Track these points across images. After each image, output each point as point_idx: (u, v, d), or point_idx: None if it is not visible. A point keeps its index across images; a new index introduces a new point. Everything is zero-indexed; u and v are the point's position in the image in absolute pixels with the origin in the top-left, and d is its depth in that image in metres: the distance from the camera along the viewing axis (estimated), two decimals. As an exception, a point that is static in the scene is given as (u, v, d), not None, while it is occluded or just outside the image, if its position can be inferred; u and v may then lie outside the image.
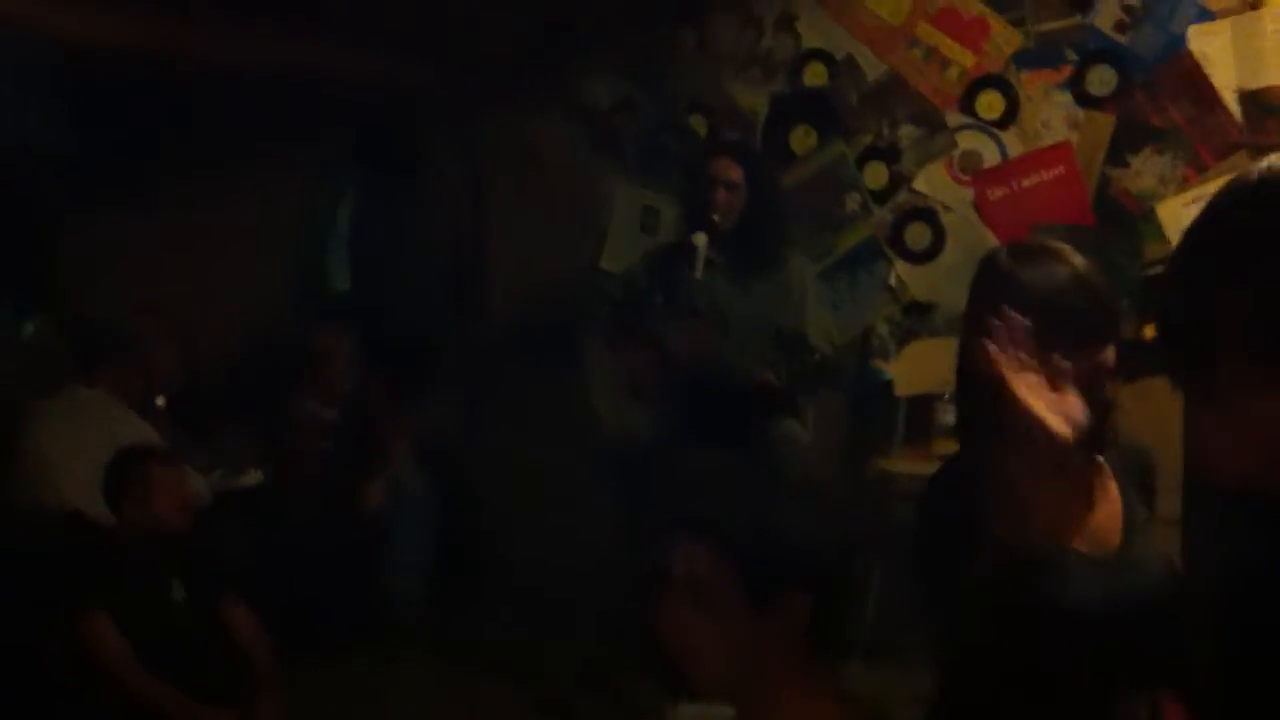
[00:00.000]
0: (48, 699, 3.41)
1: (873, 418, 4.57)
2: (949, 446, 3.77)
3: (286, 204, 5.65)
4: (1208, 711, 1.48)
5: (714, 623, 1.68)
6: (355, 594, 4.64)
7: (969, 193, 4.56)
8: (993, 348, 1.64)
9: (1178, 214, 4.17)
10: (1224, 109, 4.14)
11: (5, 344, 4.90)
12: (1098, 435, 1.88)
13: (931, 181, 4.62)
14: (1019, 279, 1.91)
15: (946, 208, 4.59)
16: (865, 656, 3.97)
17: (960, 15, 4.55)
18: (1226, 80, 4.13)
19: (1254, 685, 1.26)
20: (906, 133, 4.66)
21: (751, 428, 4.04)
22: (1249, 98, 4.10)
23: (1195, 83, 4.18)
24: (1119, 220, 4.32)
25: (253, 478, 4.71)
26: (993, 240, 4.48)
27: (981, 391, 1.83)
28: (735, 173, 4.19)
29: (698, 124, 5.00)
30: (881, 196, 4.70)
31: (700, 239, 4.08)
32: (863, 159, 4.72)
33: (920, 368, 4.39)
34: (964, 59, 4.54)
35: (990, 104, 4.53)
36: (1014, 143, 4.49)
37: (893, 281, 4.68)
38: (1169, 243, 4.19)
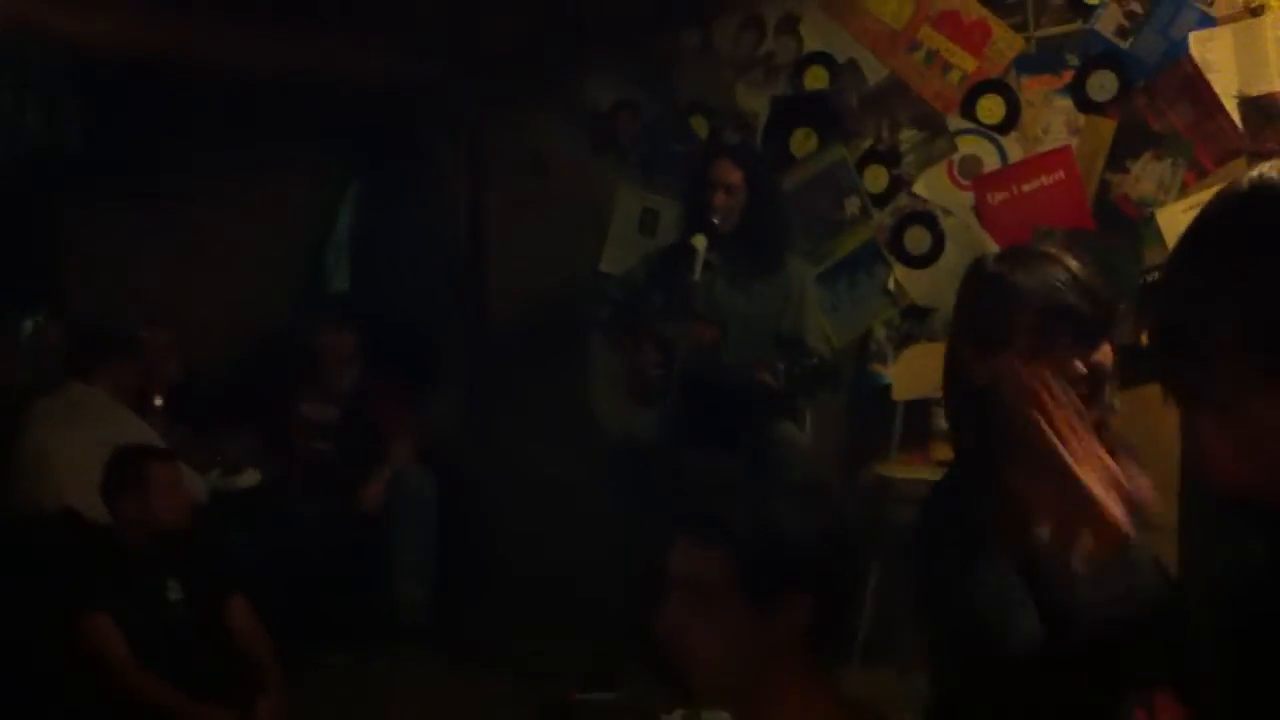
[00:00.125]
0: (46, 698, 3.42)
1: (871, 421, 4.58)
2: (946, 451, 3.78)
3: (287, 204, 5.65)
4: (1206, 712, 1.48)
5: (713, 625, 1.68)
6: (356, 594, 4.65)
7: (969, 197, 4.56)
8: (1041, 422, 1.56)
9: (1177, 219, 4.17)
10: (1224, 115, 4.14)
11: (4, 341, 4.90)
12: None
13: (931, 185, 4.62)
14: (1012, 282, 1.85)
15: (946, 212, 4.59)
16: (862, 658, 3.98)
17: (962, 19, 4.55)
18: (1227, 86, 4.13)
19: (1252, 687, 1.26)
20: (907, 136, 4.66)
21: (750, 430, 4.04)
22: (1250, 104, 4.10)
23: (1196, 88, 4.18)
24: (1119, 225, 4.32)
25: (251, 477, 4.70)
26: (993, 245, 4.47)
27: (972, 401, 1.83)
28: (735, 175, 4.20)
29: (699, 126, 5.00)
30: (881, 200, 4.70)
31: (700, 241, 4.09)
32: (863, 162, 4.72)
33: (919, 372, 4.39)
34: (965, 63, 4.55)
35: (991, 108, 4.53)
36: (1014, 147, 4.49)
37: (892, 285, 4.68)
38: (1168, 248, 4.18)
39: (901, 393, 4.50)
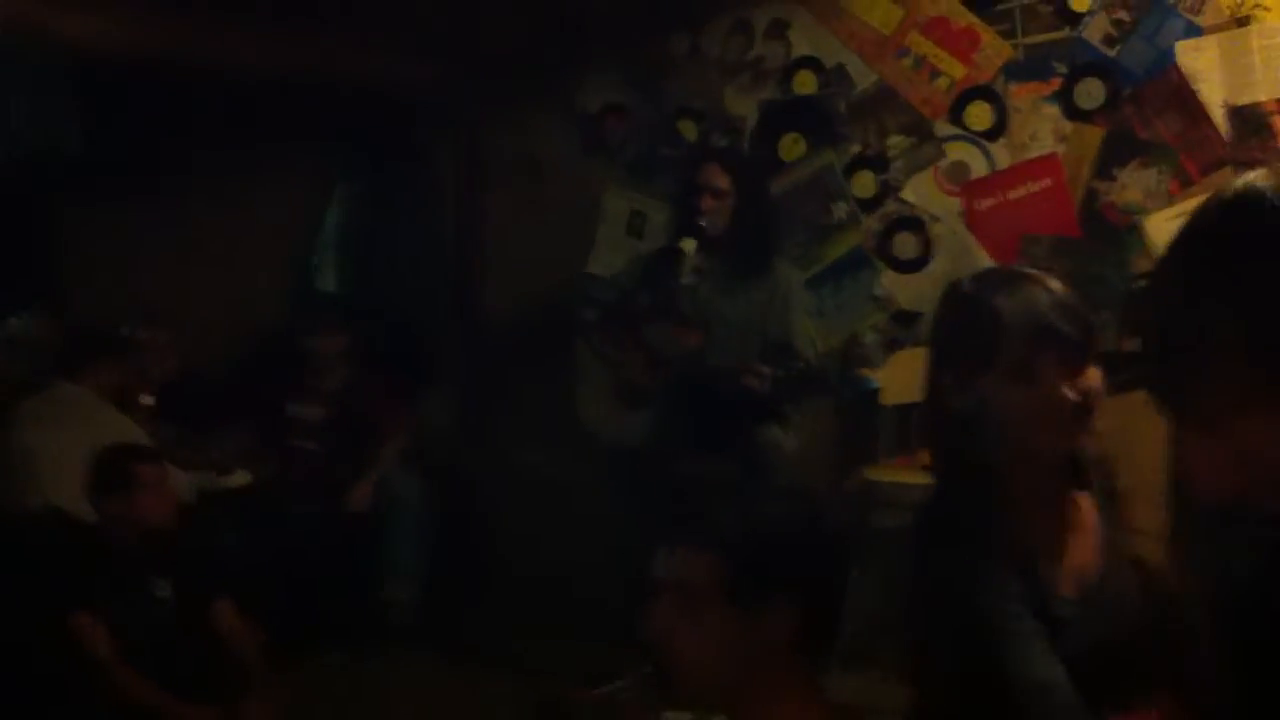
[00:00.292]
0: (33, 697, 3.41)
1: (858, 426, 4.58)
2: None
3: (285, 204, 5.65)
4: (1199, 717, 1.49)
5: (700, 628, 1.69)
6: (347, 594, 4.64)
7: (956, 203, 4.57)
8: None
9: (1163, 228, 4.19)
10: (1211, 124, 4.16)
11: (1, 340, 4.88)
12: (1080, 468, 1.87)
13: (919, 191, 4.63)
14: (993, 305, 1.78)
15: (934, 218, 4.60)
16: (845, 663, 3.98)
17: (950, 26, 4.56)
18: (1214, 95, 4.14)
19: (1243, 691, 1.27)
20: (895, 142, 4.67)
21: (737, 434, 4.05)
22: (1236, 113, 4.12)
23: (1183, 98, 4.20)
24: (1105, 233, 4.33)
25: (241, 478, 4.70)
26: (980, 250, 4.50)
27: (954, 425, 1.82)
28: (723, 180, 4.20)
29: (688, 129, 5.01)
30: (869, 205, 4.71)
31: (688, 245, 4.10)
32: (851, 168, 4.73)
33: (907, 377, 4.38)
34: (954, 69, 4.56)
35: (979, 115, 4.54)
36: (1002, 154, 4.50)
37: (879, 290, 4.69)
38: (1155, 256, 4.21)
39: (889, 397, 4.50)
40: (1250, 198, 1.09)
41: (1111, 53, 4.32)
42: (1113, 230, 4.32)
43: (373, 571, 4.77)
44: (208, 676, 3.55)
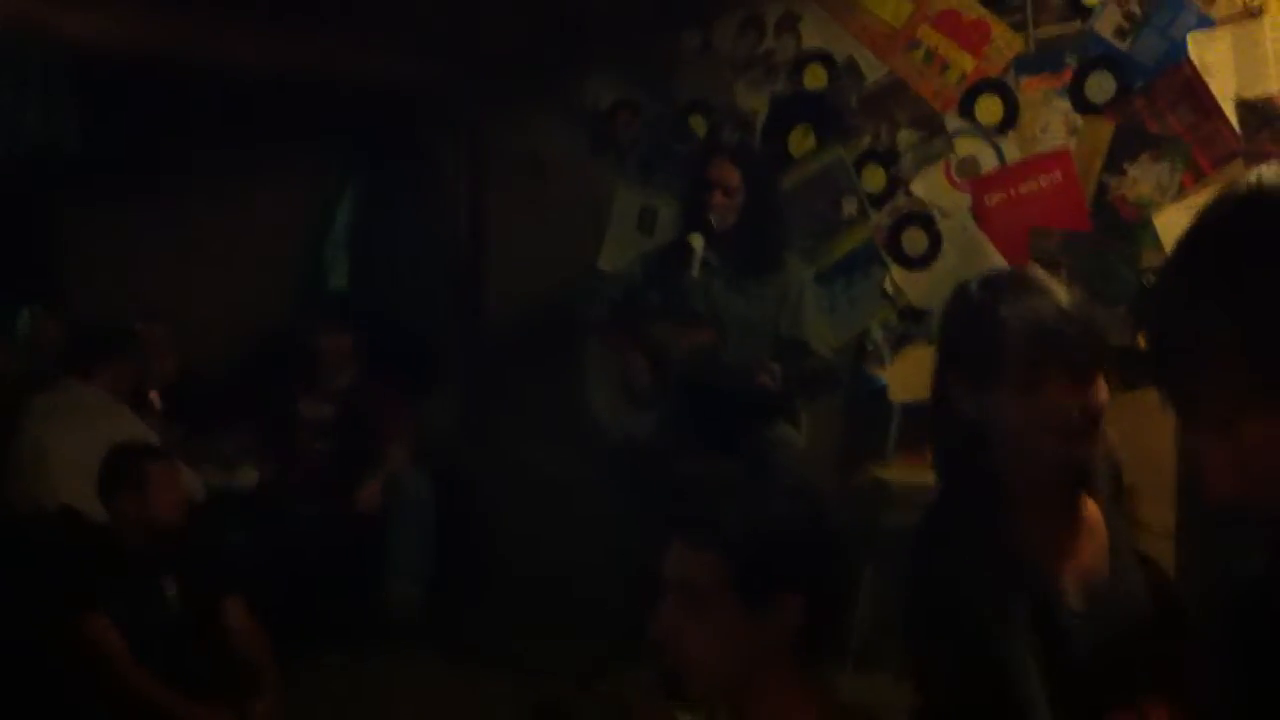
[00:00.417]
0: (43, 696, 3.41)
1: (867, 423, 4.57)
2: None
3: (287, 203, 5.65)
4: (1206, 716, 1.48)
5: (706, 627, 1.68)
6: (351, 594, 4.65)
7: (966, 198, 4.55)
8: None
9: (1175, 222, 4.16)
10: (1223, 117, 4.13)
11: (2, 338, 4.90)
12: (1087, 475, 1.85)
13: (929, 186, 4.61)
14: (1000, 316, 1.75)
15: (944, 213, 4.58)
16: (856, 663, 3.97)
17: (961, 18, 4.54)
18: (1226, 88, 4.12)
19: (1250, 690, 1.26)
20: (905, 136, 4.65)
21: (747, 432, 4.03)
22: (1248, 106, 4.10)
23: (1194, 90, 4.17)
24: (1116, 227, 4.31)
25: (249, 476, 4.70)
26: (989, 246, 4.48)
27: (962, 431, 1.80)
28: (733, 175, 4.19)
29: (698, 125, 5.00)
30: (879, 200, 4.69)
31: (697, 240, 4.08)
32: (861, 162, 4.72)
33: (915, 374, 4.36)
34: (964, 62, 4.54)
35: (989, 108, 4.52)
36: (1012, 148, 4.48)
37: (889, 287, 4.67)
38: (1166, 251, 4.18)
39: (898, 394, 4.49)
40: (1261, 193, 1.07)
41: (1123, 45, 4.30)
42: (1124, 224, 4.30)
43: (378, 571, 4.77)
44: (217, 675, 3.55)
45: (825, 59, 4.76)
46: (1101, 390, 1.77)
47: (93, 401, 4.32)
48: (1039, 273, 1.88)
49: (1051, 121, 4.42)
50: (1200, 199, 4.37)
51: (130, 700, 3.37)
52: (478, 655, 4.46)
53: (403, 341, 5.33)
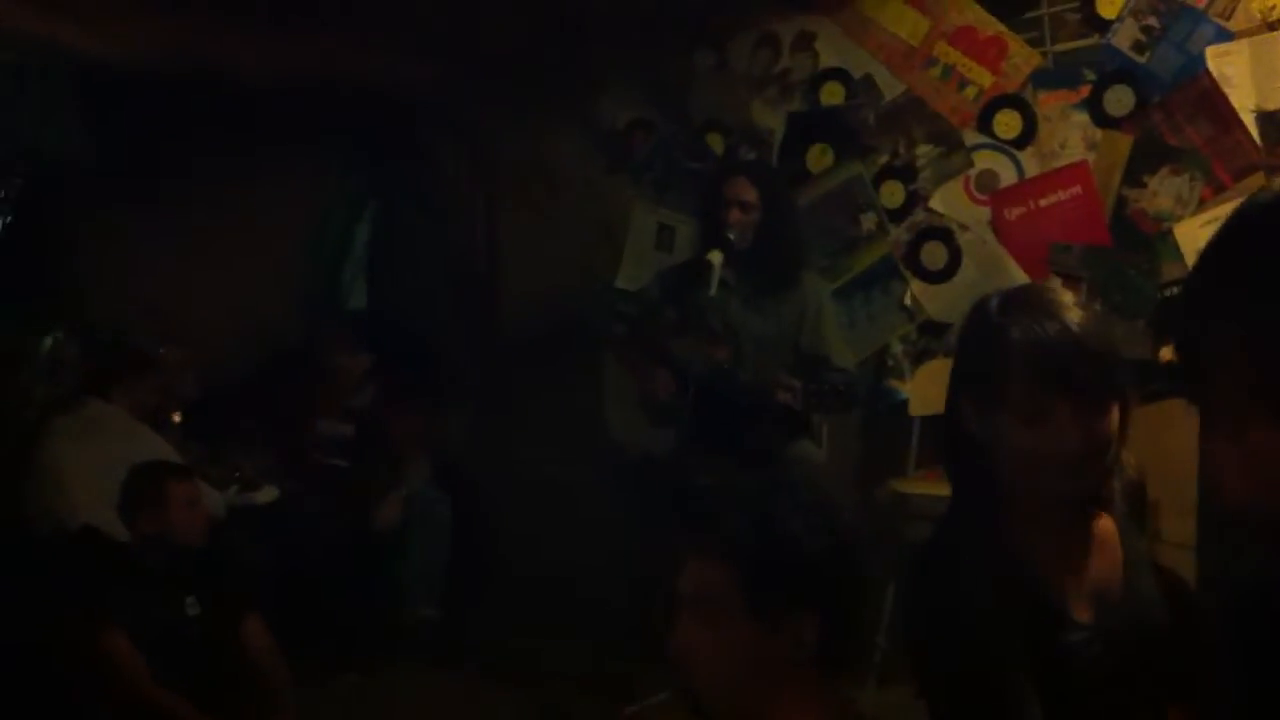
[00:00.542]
0: (62, 712, 3.42)
1: (887, 438, 4.55)
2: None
3: (304, 222, 5.68)
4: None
5: (721, 642, 1.67)
6: (370, 609, 4.65)
7: (986, 212, 4.54)
8: None
9: (1195, 235, 4.15)
10: (1242, 129, 4.12)
11: (23, 358, 4.92)
12: (1101, 498, 1.83)
13: (948, 201, 4.61)
14: (1010, 339, 1.70)
15: (963, 227, 4.58)
16: (879, 678, 3.95)
17: (978, 35, 4.54)
18: (1245, 101, 4.10)
19: (1272, 701, 1.25)
20: (923, 152, 4.65)
21: (767, 448, 4.03)
22: (1267, 118, 4.08)
23: (1213, 103, 4.16)
24: (1136, 241, 4.30)
25: (269, 494, 4.71)
26: (1009, 260, 4.47)
27: (971, 452, 1.79)
28: (750, 193, 4.20)
29: (715, 142, 5.00)
30: (898, 215, 4.69)
31: (715, 257, 4.08)
32: (879, 178, 4.72)
33: (935, 388, 4.32)
34: (982, 78, 4.54)
35: (1008, 123, 4.52)
36: (1031, 162, 4.47)
37: (908, 301, 4.67)
38: (1186, 263, 4.17)
39: (918, 408, 4.48)
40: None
41: (1141, 59, 4.29)
42: (1144, 238, 4.29)
43: (393, 588, 4.77)
44: (234, 693, 3.55)
45: (842, 76, 4.77)
46: (1112, 418, 1.73)
47: (113, 421, 4.34)
48: (1059, 291, 1.83)
49: (1070, 136, 4.42)
50: (1220, 212, 4.38)
51: (148, 716, 3.38)
52: (493, 669, 4.46)
53: (420, 360, 5.35)
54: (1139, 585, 1.82)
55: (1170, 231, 4.24)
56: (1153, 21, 4.26)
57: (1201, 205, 4.20)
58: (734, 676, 1.68)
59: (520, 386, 5.18)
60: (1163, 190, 4.25)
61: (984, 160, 4.55)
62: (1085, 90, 4.38)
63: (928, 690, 1.79)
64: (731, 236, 4.14)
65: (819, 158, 4.81)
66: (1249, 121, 4.10)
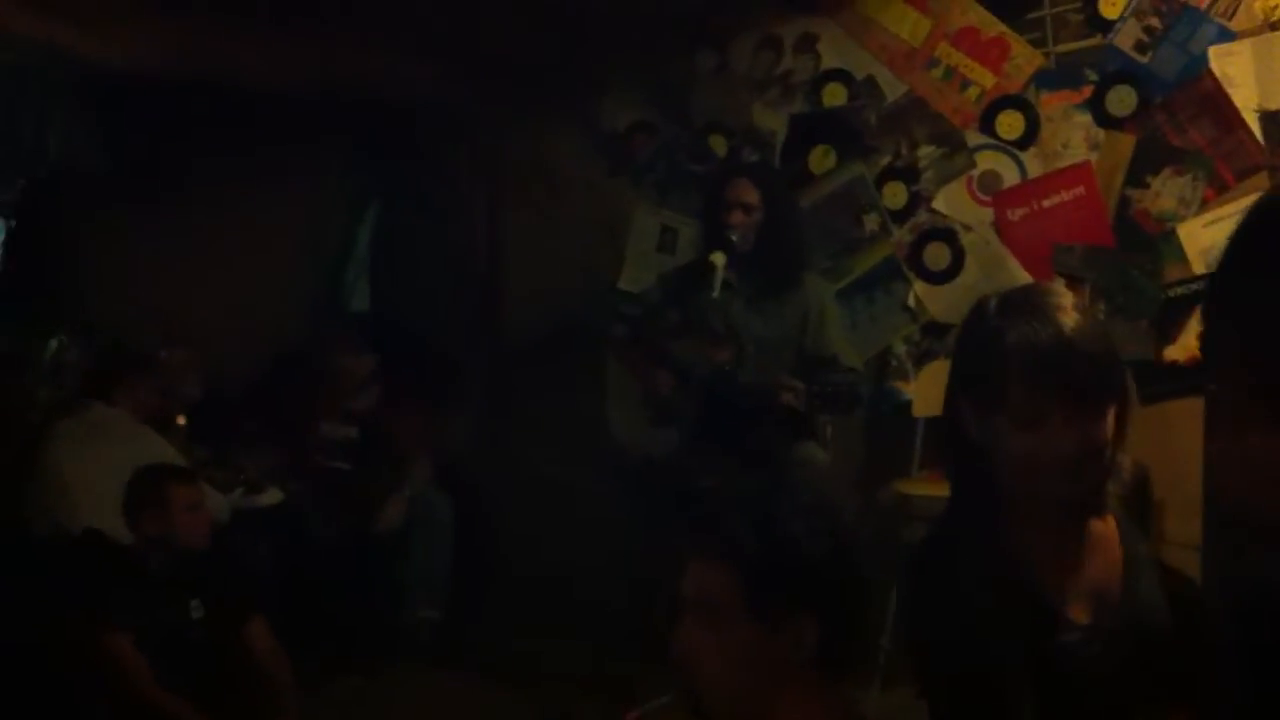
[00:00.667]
0: (65, 715, 3.42)
1: (891, 439, 4.55)
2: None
3: (307, 225, 5.67)
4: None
5: (723, 644, 1.68)
6: (372, 610, 4.65)
7: (988, 213, 4.54)
8: None
9: (1198, 235, 4.15)
10: (1245, 129, 4.11)
11: (27, 361, 4.93)
12: (1098, 500, 1.83)
13: (951, 201, 4.60)
14: (1006, 343, 1.70)
15: (966, 228, 4.58)
16: (884, 680, 3.95)
17: (980, 35, 4.54)
18: (1247, 101, 4.10)
19: (1268, 709, 1.25)
20: (926, 153, 4.65)
21: (769, 449, 4.02)
22: (1270, 118, 4.07)
23: (1216, 103, 4.15)
24: (1139, 241, 4.29)
25: (272, 496, 4.71)
26: (1012, 260, 4.47)
27: (969, 453, 1.79)
28: (752, 195, 4.19)
29: (717, 144, 5.00)
30: (900, 216, 4.69)
31: (718, 259, 4.08)
32: (881, 179, 4.72)
33: (939, 389, 4.32)
34: (984, 79, 4.54)
35: (1010, 124, 4.52)
36: (1034, 163, 4.47)
37: (911, 302, 4.66)
38: (1189, 264, 4.17)
39: (921, 409, 4.47)
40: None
41: (1143, 59, 4.28)
42: (1147, 238, 4.28)
43: (400, 588, 4.77)
44: (238, 696, 3.55)
45: (844, 78, 4.76)
46: (1108, 421, 1.72)
47: (116, 424, 4.34)
48: (1058, 293, 1.81)
49: (1073, 136, 4.41)
50: (1223, 212, 4.35)
51: (152, 720, 3.38)
52: (497, 671, 4.45)
53: (422, 361, 5.35)
54: (1139, 586, 1.81)
55: (1173, 232, 4.23)
56: (1155, 22, 4.26)
57: (1204, 205, 4.19)
58: (736, 678, 1.69)
59: (522, 388, 5.18)
60: (1166, 191, 4.25)
61: (986, 161, 4.55)
62: (1088, 91, 4.38)
63: (928, 690, 1.79)
64: (734, 238, 4.14)
65: (821, 159, 4.81)
66: (1252, 121, 4.10)
